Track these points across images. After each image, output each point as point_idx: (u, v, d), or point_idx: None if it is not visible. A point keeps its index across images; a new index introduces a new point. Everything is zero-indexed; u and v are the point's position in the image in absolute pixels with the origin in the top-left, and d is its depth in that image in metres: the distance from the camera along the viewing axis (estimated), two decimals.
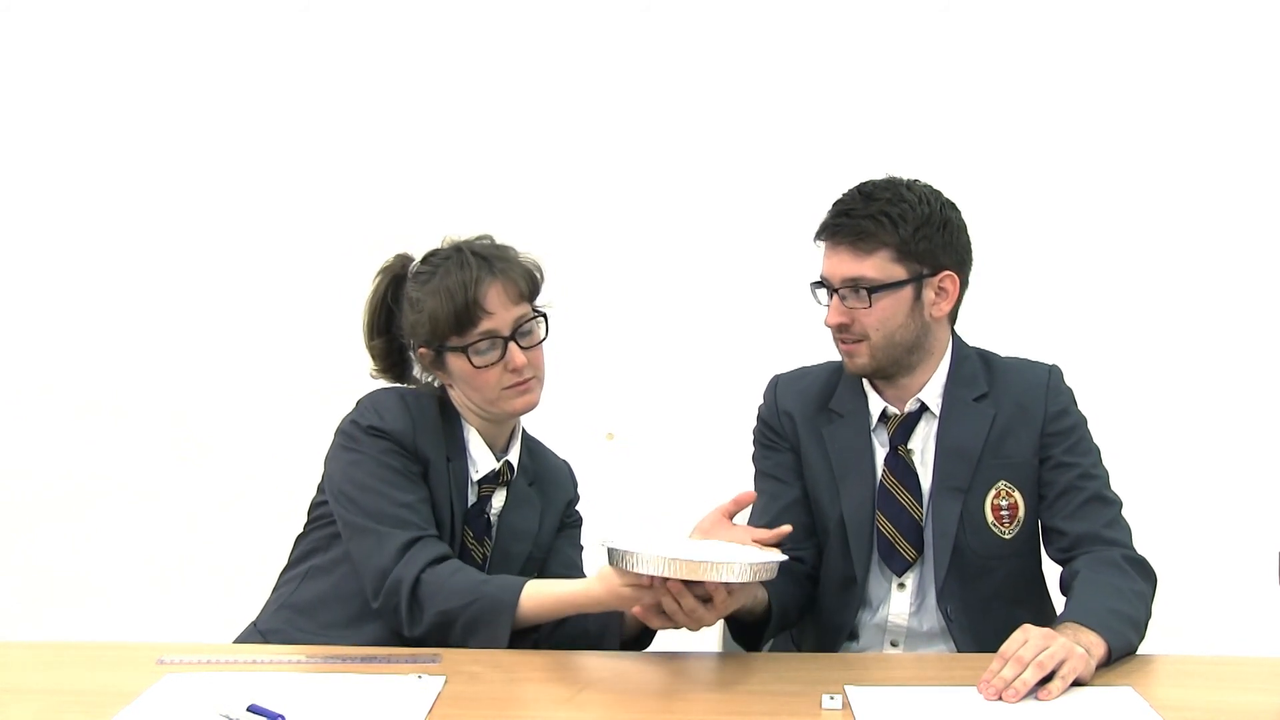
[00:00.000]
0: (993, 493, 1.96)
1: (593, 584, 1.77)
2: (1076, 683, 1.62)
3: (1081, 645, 1.65)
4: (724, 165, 3.29)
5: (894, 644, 2.00)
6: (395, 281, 2.04)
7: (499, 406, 1.98)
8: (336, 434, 2.01)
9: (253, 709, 1.54)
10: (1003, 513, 1.96)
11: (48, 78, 3.35)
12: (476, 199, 3.24)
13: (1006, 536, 1.96)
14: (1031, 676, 1.59)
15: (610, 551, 1.69)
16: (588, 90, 3.30)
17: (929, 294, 1.94)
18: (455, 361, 1.96)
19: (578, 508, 2.21)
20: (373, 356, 2.09)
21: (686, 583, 1.66)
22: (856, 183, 1.99)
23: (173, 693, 1.63)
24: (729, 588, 1.69)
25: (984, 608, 1.95)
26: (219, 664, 1.74)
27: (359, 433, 1.97)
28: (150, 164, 3.35)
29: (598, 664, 1.80)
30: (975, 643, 1.92)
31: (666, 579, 1.64)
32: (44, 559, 3.36)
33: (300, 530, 2.08)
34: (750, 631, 1.96)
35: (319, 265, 3.27)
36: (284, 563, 2.08)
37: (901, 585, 1.98)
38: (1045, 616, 1.97)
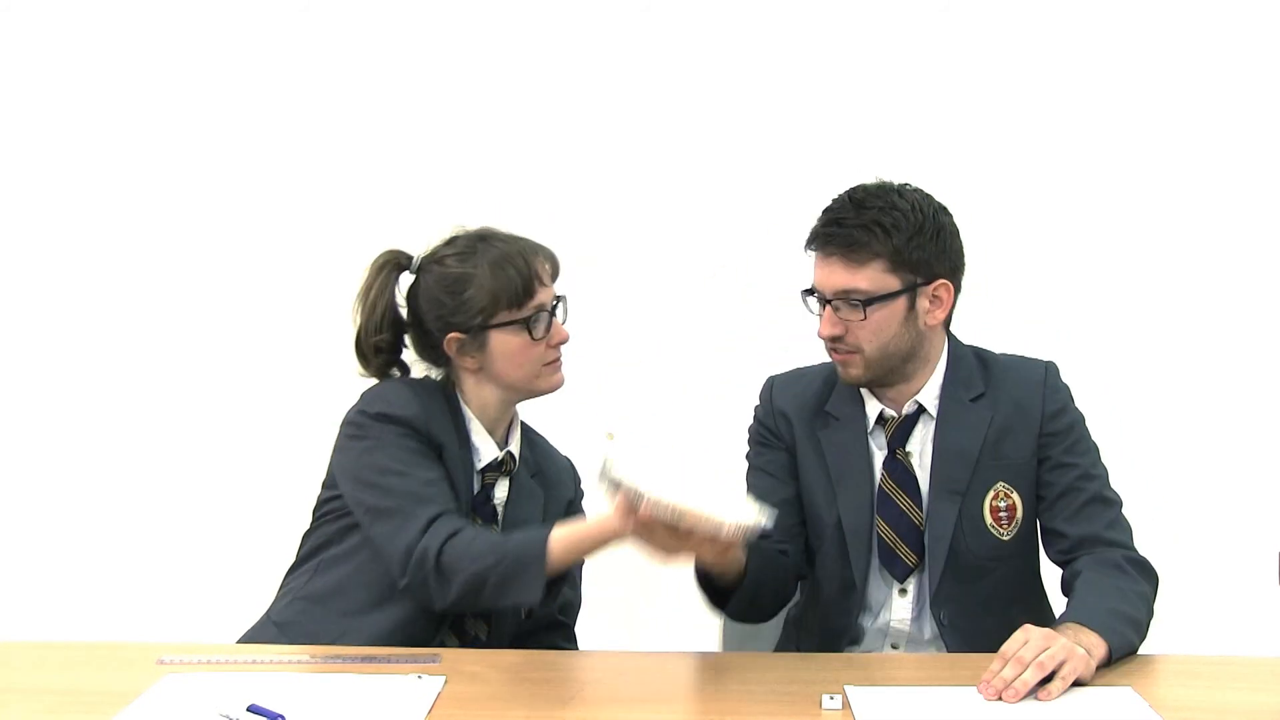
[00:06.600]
0: (991, 494, 1.95)
1: (610, 518, 1.70)
2: (1077, 683, 1.62)
3: (1082, 646, 1.65)
4: (723, 166, 3.28)
5: (895, 645, 1.99)
6: (398, 275, 2.03)
7: (535, 384, 1.99)
8: (343, 427, 1.99)
9: (252, 709, 1.54)
10: (1001, 514, 1.95)
11: (47, 78, 3.34)
12: (475, 199, 3.23)
13: (1005, 538, 1.95)
14: (1032, 677, 1.59)
15: (610, 478, 1.62)
16: (587, 91, 3.29)
17: (923, 303, 1.92)
18: (503, 338, 1.95)
19: (583, 504, 2.20)
20: (369, 354, 2.03)
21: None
22: (848, 187, 1.96)
23: (172, 693, 1.63)
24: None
25: (982, 610, 1.93)
26: (218, 664, 1.74)
27: (368, 421, 1.95)
28: (148, 164, 3.33)
29: (598, 664, 1.81)
30: (970, 648, 1.90)
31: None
32: (44, 559, 3.35)
33: (305, 529, 2.07)
34: (719, 594, 1.88)
35: (318, 266, 3.26)
36: (283, 562, 2.07)
37: (903, 590, 1.96)
38: (1043, 617, 1.96)
